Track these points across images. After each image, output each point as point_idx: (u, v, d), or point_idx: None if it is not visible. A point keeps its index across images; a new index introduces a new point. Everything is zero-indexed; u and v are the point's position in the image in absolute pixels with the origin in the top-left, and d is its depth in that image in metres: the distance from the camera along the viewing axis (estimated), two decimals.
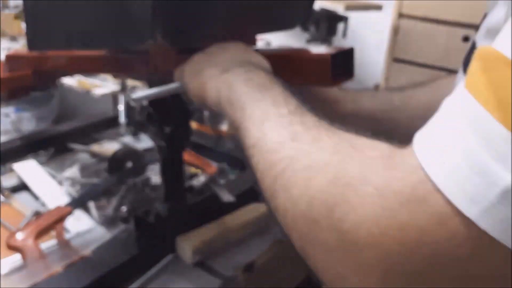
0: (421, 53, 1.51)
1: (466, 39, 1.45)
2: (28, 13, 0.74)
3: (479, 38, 0.41)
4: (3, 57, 1.16)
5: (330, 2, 1.68)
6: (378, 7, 1.81)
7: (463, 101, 0.24)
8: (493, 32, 0.33)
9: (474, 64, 0.25)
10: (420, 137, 0.27)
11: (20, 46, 2.75)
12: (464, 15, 1.44)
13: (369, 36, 2.02)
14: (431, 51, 1.49)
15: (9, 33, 2.95)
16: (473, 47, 0.41)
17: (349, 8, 1.68)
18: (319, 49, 0.67)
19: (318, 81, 0.63)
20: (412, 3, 1.54)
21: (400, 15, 1.58)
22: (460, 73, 0.42)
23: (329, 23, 1.78)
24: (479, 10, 1.53)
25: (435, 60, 1.51)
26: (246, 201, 0.97)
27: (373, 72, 1.87)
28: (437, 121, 0.26)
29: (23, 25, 2.87)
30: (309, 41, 1.76)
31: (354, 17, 1.86)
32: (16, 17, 2.84)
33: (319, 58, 0.62)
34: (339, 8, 1.67)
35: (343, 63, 0.64)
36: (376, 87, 1.73)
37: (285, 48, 0.70)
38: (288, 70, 0.64)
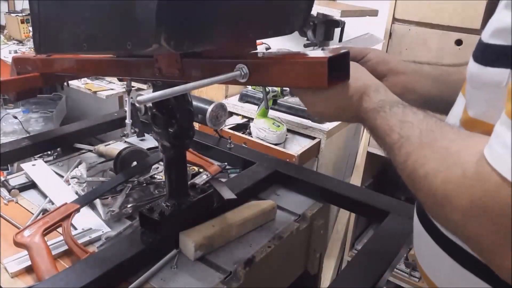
0: (415, 57, 1.53)
1: (458, 42, 1.46)
2: (35, 17, 0.76)
3: (486, 36, 0.51)
4: (10, 60, 1.18)
5: (327, 7, 1.70)
6: (374, 12, 1.83)
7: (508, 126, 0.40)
8: (502, 33, 0.47)
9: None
10: (488, 151, 0.42)
11: (27, 49, 2.78)
12: (457, 20, 1.46)
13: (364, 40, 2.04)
14: (424, 54, 1.51)
15: (16, 36, 2.98)
16: (480, 42, 0.53)
17: (345, 13, 1.70)
18: (315, 52, 0.69)
19: (315, 84, 0.65)
20: (406, 8, 1.56)
21: (394, 20, 1.60)
22: (471, 62, 0.54)
23: (326, 28, 1.80)
24: (471, 14, 1.55)
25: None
26: (246, 199, 1.00)
27: None
28: (497, 140, 0.41)
29: (30, 29, 2.88)
30: (307, 45, 1.78)
31: (350, 21, 1.87)
32: (23, 21, 2.87)
33: (316, 61, 0.63)
34: (335, 13, 1.69)
35: (339, 66, 0.65)
36: None
37: (284, 52, 0.72)
38: (285, 73, 0.66)
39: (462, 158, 0.45)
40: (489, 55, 0.50)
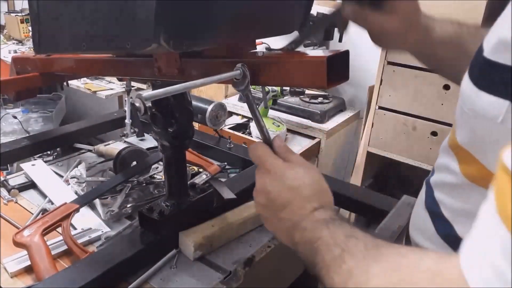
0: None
1: None
2: (34, 17, 0.76)
3: (488, 46, 0.41)
4: (10, 60, 1.18)
5: (327, 7, 1.70)
6: None
7: (496, 226, 0.29)
8: (504, 47, 0.37)
9: (503, 183, 0.29)
10: (465, 254, 0.33)
11: (26, 49, 2.78)
12: (457, 19, 1.45)
13: (364, 40, 2.03)
14: None
15: (15, 36, 2.98)
16: (480, 51, 0.43)
17: None
18: (315, 52, 0.69)
19: (314, 83, 0.65)
20: None
21: None
22: (466, 78, 0.44)
23: (326, 27, 1.80)
24: (471, 14, 1.54)
25: None
26: (246, 199, 0.99)
27: (368, 74, 1.89)
28: (476, 238, 0.32)
29: (29, 29, 2.89)
30: (306, 45, 1.79)
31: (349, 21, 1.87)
32: (22, 20, 2.87)
33: (315, 60, 0.63)
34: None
35: (338, 66, 0.65)
36: (371, 88, 1.75)
37: (282, 51, 0.72)
38: (285, 72, 0.66)
39: (414, 277, 0.37)
40: (486, 76, 0.40)
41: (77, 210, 0.91)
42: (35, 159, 1.24)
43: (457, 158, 0.51)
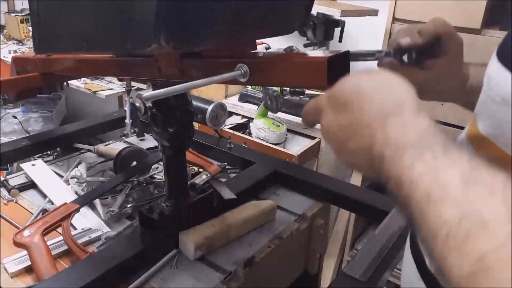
0: None
1: None
2: (35, 17, 0.76)
3: None
4: (10, 60, 1.18)
5: (327, 7, 1.70)
6: (374, 12, 1.83)
7: None
8: None
9: None
10: None
11: (26, 49, 2.78)
12: (457, 20, 1.45)
13: (364, 40, 2.03)
14: None
15: (15, 36, 2.98)
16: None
17: (345, 13, 1.69)
18: (316, 52, 0.69)
19: (315, 84, 0.65)
20: (406, 8, 1.56)
21: (394, 19, 1.60)
22: (494, 62, 0.41)
23: (326, 27, 1.80)
24: (471, 14, 1.54)
25: None
26: (246, 199, 1.00)
27: None
28: None
29: (29, 29, 2.89)
30: (307, 45, 1.78)
31: (350, 21, 1.87)
32: (22, 20, 2.87)
33: (316, 61, 0.63)
34: (335, 13, 1.69)
35: (339, 66, 0.65)
36: None
37: (283, 51, 0.72)
38: (285, 72, 0.66)
39: None
40: None
41: (77, 210, 0.91)
42: (35, 159, 1.24)
43: (474, 148, 0.48)
